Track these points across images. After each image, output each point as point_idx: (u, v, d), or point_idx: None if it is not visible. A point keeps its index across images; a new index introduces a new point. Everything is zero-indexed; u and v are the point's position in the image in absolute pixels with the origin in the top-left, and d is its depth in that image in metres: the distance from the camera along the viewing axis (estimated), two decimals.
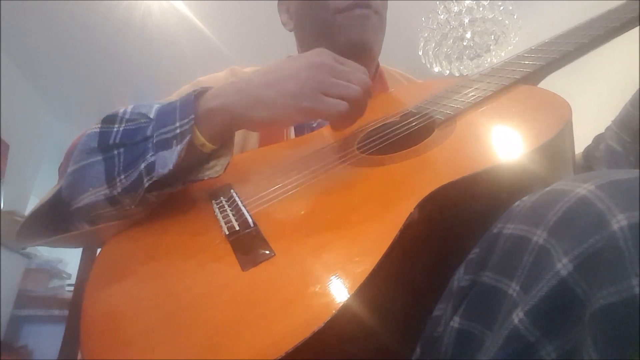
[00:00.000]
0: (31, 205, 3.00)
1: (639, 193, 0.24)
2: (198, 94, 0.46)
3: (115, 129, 0.46)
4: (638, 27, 0.52)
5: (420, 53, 2.16)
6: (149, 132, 0.45)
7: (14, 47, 2.69)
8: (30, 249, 2.88)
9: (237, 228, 0.39)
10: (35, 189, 3.41)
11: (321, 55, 0.46)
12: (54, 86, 3.15)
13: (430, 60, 2.14)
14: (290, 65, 0.45)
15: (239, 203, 0.43)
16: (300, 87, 0.43)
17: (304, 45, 0.76)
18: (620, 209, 0.23)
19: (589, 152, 0.57)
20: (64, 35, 2.59)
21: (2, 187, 2.73)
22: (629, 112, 0.54)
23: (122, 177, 0.44)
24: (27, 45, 2.69)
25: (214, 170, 0.46)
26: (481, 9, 1.95)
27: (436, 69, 2.14)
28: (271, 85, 0.44)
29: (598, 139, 0.57)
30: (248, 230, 0.39)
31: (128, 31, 2.56)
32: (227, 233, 0.39)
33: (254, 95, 0.44)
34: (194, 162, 0.46)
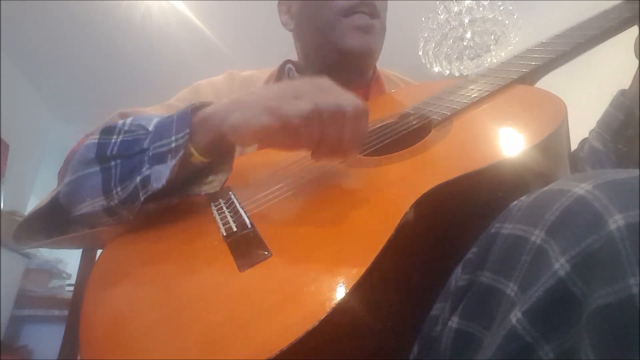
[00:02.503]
0: (31, 205, 3.01)
1: (637, 193, 0.24)
2: (195, 108, 0.46)
3: (113, 140, 0.46)
4: (636, 27, 0.52)
5: (420, 53, 2.16)
6: (145, 145, 0.45)
7: (14, 47, 2.70)
8: (30, 249, 2.88)
9: (235, 229, 0.39)
10: (35, 189, 3.41)
11: (319, 78, 0.44)
12: (54, 86, 3.15)
13: (430, 60, 2.14)
14: (285, 81, 0.46)
15: (237, 205, 0.43)
16: (277, 91, 0.42)
17: (305, 47, 0.75)
18: (618, 209, 0.23)
19: (574, 154, 0.58)
20: (64, 36, 2.60)
21: (2, 187, 2.73)
22: (608, 112, 0.55)
23: (119, 189, 0.44)
24: (27, 45, 2.69)
25: (212, 185, 0.45)
26: (481, 9, 1.95)
27: (436, 69, 2.14)
28: (254, 93, 0.44)
29: (583, 142, 0.58)
30: (245, 231, 0.39)
31: (128, 31, 2.56)
32: (224, 234, 0.39)
33: (238, 101, 0.44)
34: (190, 175, 0.46)
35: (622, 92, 0.54)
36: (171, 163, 0.42)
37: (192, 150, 0.44)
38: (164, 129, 0.45)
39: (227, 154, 0.47)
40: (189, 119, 0.44)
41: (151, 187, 0.42)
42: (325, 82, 0.43)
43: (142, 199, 0.43)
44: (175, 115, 0.45)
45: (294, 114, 0.38)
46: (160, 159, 0.43)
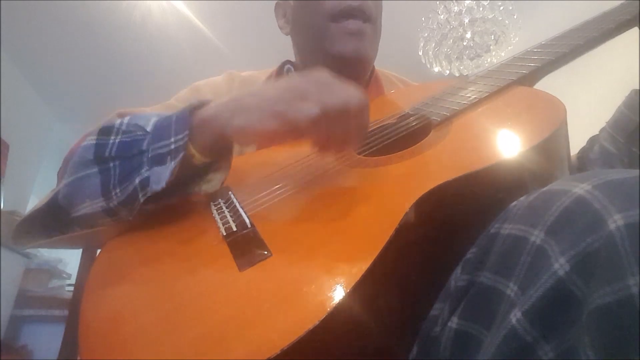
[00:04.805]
0: (31, 205, 3.00)
1: (636, 193, 0.24)
2: (194, 109, 0.45)
3: (111, 141, 0.46)
4: (637, 29, 0.52)
5: (420, 53, 2.15)
6: (144, 146, 0.44)
7: (14, 47, 2.70)
8: (30, 249, 2.88)
9: (235, 229, 0.39)
10: (35, 189, 3.41)
11: (318, 71, 0.44)
12: (54, 86, 3.15)
13: (430, 60, 2.14)
14: (285, 79, 0.45)
15: (237, 205, 0.43)
16: (279, 92, 0.42)
17: (300, 50, 0.75)
18: (617, 209, 0.23)
19: (583, 153, 0.57)
20: (64, 35, 2.60)
21: (2, 187, 2.73)
22: (622, 113, 0.54)
23: (118, 190, 0.44)
24: (27, 45, 2.69)
25: (211, 184, 0.45)
26: (481, 9, 1.95)
27: (436, 69, 2.14)
28: (256, 94, 0.43)
29: (592, 141, 0.57)
30: (245, 231, 0.39)
31: (128, 31, 2.56)
32: (224, 234, 0.39)
33: (240, 102, 0.43)
34: (189, 175, 0.46)
35: (637, 92, 0.53)
36: (171, 165, 0.42)
37: (193, 150, 0.44)
38: (162, 130, 0.45)
39: (226, 152, 0.47)
40: (188, 120, 0.44)
41: (150, 189, 0.42)
42: (324, 76, 0.43)
43: (141, 200, 0.42)
44: (174, 116, 0.45)
45: (302, 118, 0.39)
46: (159, 160, 0.43)
